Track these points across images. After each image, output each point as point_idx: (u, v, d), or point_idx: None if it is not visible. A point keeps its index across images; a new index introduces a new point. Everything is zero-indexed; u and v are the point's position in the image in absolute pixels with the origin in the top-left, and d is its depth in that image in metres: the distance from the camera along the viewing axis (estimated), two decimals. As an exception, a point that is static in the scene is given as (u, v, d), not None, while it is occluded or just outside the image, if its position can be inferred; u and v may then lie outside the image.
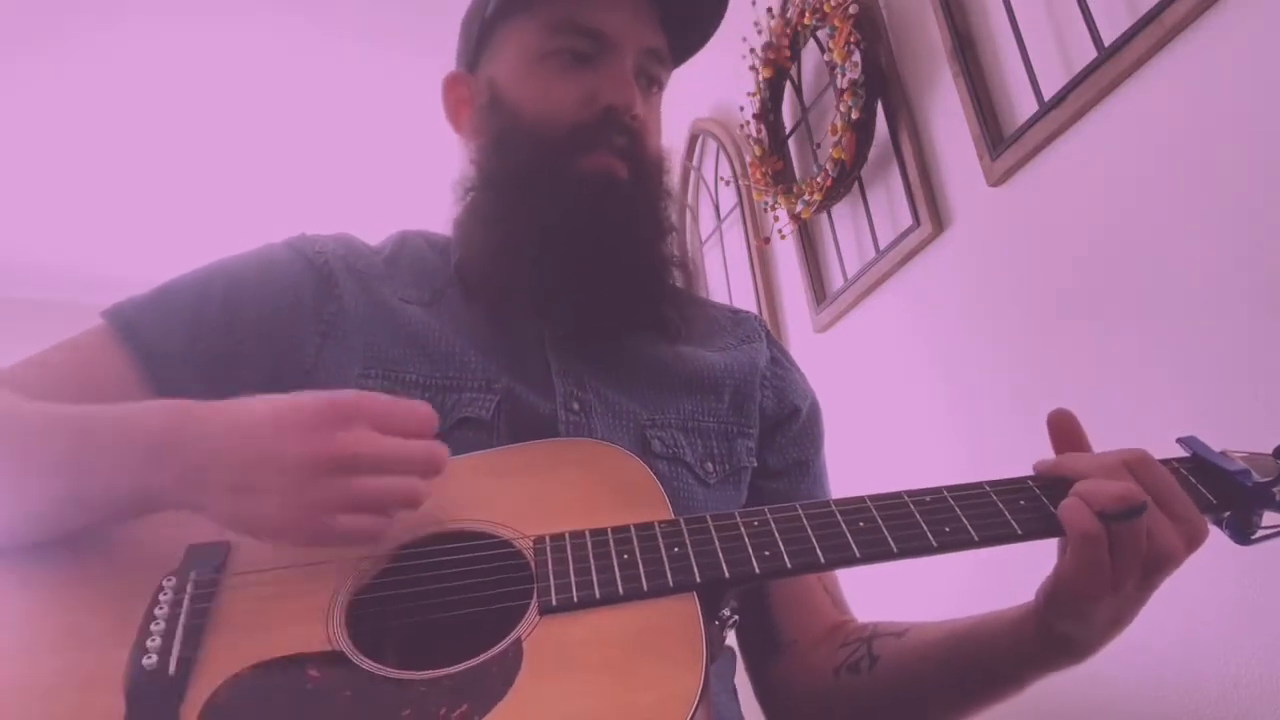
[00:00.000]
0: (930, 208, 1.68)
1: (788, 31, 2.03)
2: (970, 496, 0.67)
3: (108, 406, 0.68)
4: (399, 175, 3.12)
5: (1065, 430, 0.71)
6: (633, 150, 0.86)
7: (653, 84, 0.90)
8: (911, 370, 1.76)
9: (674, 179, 0.95)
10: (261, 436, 0.61)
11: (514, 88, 0.88)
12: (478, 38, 0.93)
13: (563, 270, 0.83)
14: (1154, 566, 0.63)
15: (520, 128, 0.86)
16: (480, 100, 0.91)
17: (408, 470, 0.62)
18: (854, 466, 1.40)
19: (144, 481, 0.63)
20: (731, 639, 0.75)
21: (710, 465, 0.85)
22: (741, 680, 0.88)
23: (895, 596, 1.14)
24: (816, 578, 0.89)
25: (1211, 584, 1.12)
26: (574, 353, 0.85)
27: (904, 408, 1.78)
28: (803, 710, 0.85)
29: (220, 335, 0.81)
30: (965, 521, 0.66)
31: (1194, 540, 0.65)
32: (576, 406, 0.81)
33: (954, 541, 0.65)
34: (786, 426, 0.93)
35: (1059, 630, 0.67)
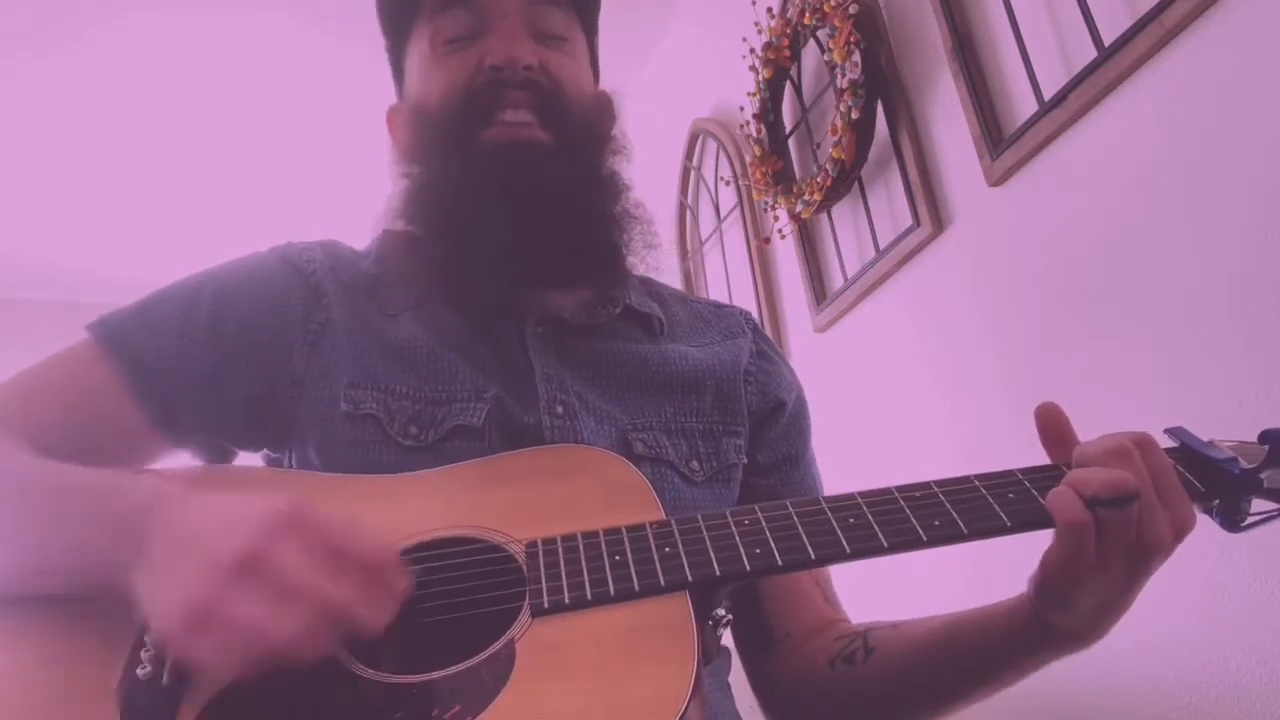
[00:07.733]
0: (930, 208, 1.68)
1: (788, 31, 2.03)
2: (959, 490, 0.68)
3: (86, 471, 0.66)
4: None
5: (1052, 423, 0.71)
6: (545, 105, 0.86)
7: (551, 38, 0.90)
8: (911, 370, 1.76)
9: (617, 124, 0.94)
10: (205, 532, 0.57)
11: (418, 88, 0.91)
12: (394, 70, 0.97)
13: (502, 247, 0.83)
14: (1141, 554, 0.63)
15: (428, 118, 0.88)
16: (403, 118, 0.93)
17: (316, 605, 0.54)
18: (853, 466, 1.40)
19: (109, 555, 0.60)
20: (726, 636, 0.75)
21: (696, 464, 0.84)
22: (736, 679, 0.88)
23: (891, 599, 1.14)
24: (810, 575, 0.89)
25: (1211, 583, 1.12)
26: (555, 355, 0.85)
27: (903, 407, 1.78)
28: (798, 702, 0.85)
29: (209, 345, 0.80)
30: (954, 515, 0.66)
31: (1182, 531, 0.65)
32: (560, 410, 0.81)
33: (943, 535, 0.65)
34: (773, 421, 0.92)
35: (1049, 618, 0.67)
